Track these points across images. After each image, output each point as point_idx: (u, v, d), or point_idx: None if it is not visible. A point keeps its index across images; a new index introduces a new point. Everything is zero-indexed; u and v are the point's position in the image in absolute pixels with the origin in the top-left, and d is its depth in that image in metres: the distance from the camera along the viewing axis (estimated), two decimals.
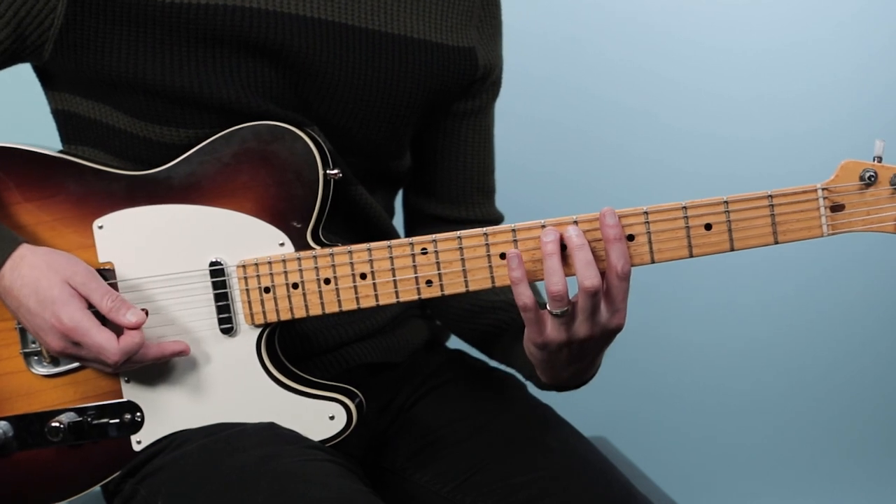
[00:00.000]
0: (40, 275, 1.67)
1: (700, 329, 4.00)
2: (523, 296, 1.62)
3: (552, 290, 1.60)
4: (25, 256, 1.69)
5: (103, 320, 1.69)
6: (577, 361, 1.71)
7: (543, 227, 1.64)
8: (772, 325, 4.07)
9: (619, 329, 1.65)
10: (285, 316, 1.74)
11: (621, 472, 1.87)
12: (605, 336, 1.66)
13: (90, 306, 1.69)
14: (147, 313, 1.73)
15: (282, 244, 1.74)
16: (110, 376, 1.78)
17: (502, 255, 1.65)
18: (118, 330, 1.68)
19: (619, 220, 1.62)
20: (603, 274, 1.62)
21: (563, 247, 1.63)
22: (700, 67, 3.87)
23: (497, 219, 2.12)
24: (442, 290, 1.69)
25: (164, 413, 1.78)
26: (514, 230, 1.66)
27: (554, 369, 1.73)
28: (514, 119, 3.56)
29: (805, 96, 3.94)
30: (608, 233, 1.61)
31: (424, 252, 1.69)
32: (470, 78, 1.95)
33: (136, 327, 1.68)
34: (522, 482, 1.78)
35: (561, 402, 2.02)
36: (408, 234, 2.09)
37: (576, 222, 1.64)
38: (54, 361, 1.78)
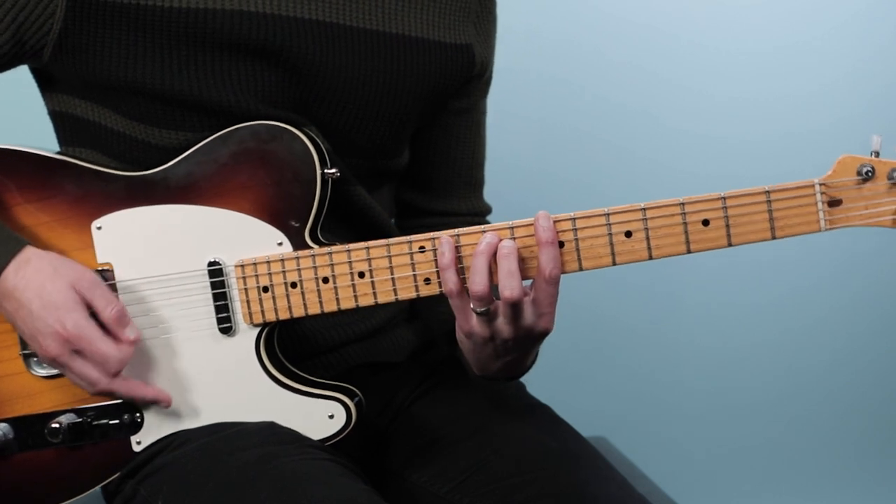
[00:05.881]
0: (46, 278, 1.67)
1: (700, 330, 4.01)
2: (449, 282, 1.65)
3: (472, 289, 1.63)
4: (31, 260, 1.69)
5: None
6: (503, 356, 1.73)
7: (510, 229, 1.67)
8: (772, 326, 4.08)
9: (546, 333, 1.68)
10: (284, 315, 1.74)
11: (620, 472, 1.86)
12: (531, 338, 1.69)
13: (91, 314, 1.70)
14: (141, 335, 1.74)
15: (280, 244, 1.74)
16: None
17: (495, 253, 1.66)
18: None
19: (553, 224, 1.64)
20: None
21: None
22: (699, 68, 3.88)
23: (484, 211, 2.13)
24: (440, 287, 1.69)
25: (164, 413, 1.78)
26: (511, 227, 1.66)
27: (481, 361, 1.76)
28: (513, 119, 3.58)
29: (804, 96, 3.95)
30: (541, 236, 1.63)
31: (422, 250, 1.70)
32: (467, 75, 1.96)
33: (133, 343, 1.70)
34: (520, 482, 1.77)
35: (560, 403, 2.02)
36: (396, 226, 2.10)
37: (511, 228, 1.66)
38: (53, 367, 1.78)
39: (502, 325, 1.65)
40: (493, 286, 1.64)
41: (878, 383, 4.19)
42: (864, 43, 4.00)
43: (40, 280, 1.67)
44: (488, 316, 1.64)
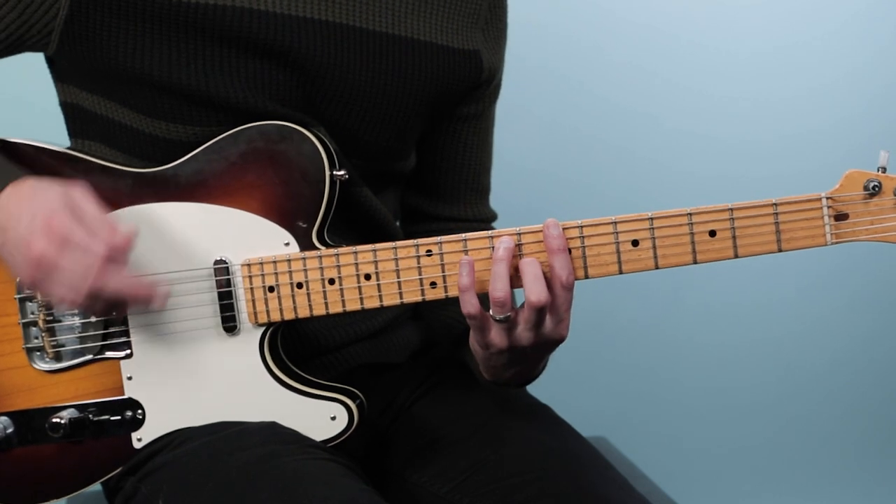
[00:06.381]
0: (39, 188, 1.63)
1: (700, 329, 4.01)
2: (468, 304, 1.65)
3: (495, 295, 1.62)
4: (27, 180, 1.65)
5: None
6: (517, 365, 1.74)
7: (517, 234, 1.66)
8: (772, 326, 4.08)
9: (561, 340, 1.69)
10: (289, 315, 1.74)
11: (620, 472, 1.87)
12: (547, 345, 1.70)
13: None
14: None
15: (287, 244, 1.74)
16: (113, 373, 1.78)
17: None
18: None
19: (563, 231, 1.64)
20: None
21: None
22: (699, 68, 3.88)
23: (490, 217, 2.13)
24: (446, 291, 1.70)
25: (166, 411, 1.78)
26: (518, 233, 1.66)
27: (495, 369, 1.77)
28: (512, 119, 3.57)
29: (805, 97, 3.95)
30: (551, 244, 1.63)
31: (429, 254, 1.70)
32: (475, 81, 1.96)
33: (128, 235, 1.60)
34: (521, 482, 1.77)
35: (560, 403, 2.03)
36: (402, 230, 2.10)
37: (518, 234, 1.66)
38: (56, 357, 1.79)
39: (523, 332, 1.66)
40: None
41: (878, 383, 4.20)
42: (864, 43, 3.99)
43: (34, 191, 1.63)
44: (508, 324, 1.64)
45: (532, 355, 1.72)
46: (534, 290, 1.62)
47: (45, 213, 1.58)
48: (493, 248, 1.66)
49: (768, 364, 4.09)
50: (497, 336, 1.67)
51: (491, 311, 1.64)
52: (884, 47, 4.01)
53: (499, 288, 1.62)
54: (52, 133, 1.89)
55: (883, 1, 4.01)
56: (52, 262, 1.57)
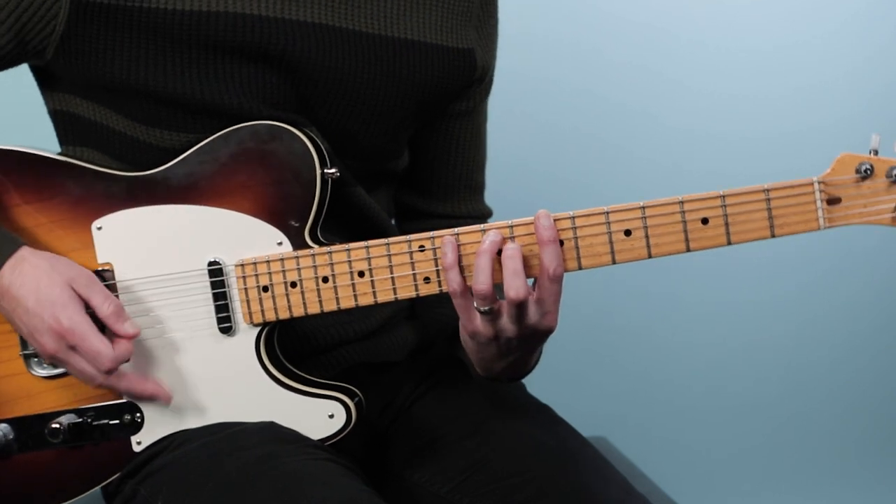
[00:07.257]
0: (42, 274, 1.67)
1: (699, 329, 4.00)
2: (453, 282, 1.65)
3: (475, 287, 1.63)
4: (27, 258, 1.69)
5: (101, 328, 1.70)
6: (507, 356, 1.73)
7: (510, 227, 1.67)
8: (771, 326, 4.07)
9: (550, 331, 1.68)
10: (284, 315, 1.74)
11: (620, 471, 1.87)
12: (536, 337, 1.69)
13: (89, 311, 1.70)
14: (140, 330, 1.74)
15: (280, 243, 1.74)
16: None
17: (499, 252, 1.65)
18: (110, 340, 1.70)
19: (554, 223, 1.64)
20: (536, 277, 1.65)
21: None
22: (699, 66, 3.88)
23: (485, 214, 2.13)
24: (440, 286, 1.70)
25: (164, 414, 1.78)
26: (511, 226, 1.66)
27: (485, 361, 1.76)
28: (512, 118, 3.57)
29: (805, 95, 3.95)
30: (542, 235, 1.63)
31: (422, 249, 1.70)
32: (468, 79, 1.96)
33: (132, 337, 1.70)
34: (520, 482, 1.77)
35: (560, 402, 2.02)
36: (398, 228, 2.10)
37: (511, 227, 1.66)
38: (53, 363, 1.78)
39: (506, 324, 1.65)
40: (497, 285, 1.64)
41: (879, 382, 4.19)
42: (864, 42, 4.00)
43: (36, 277, 1.67)
44: (492, 315, 1.64)
45: (520, 346, 1.71)
46: (512, 286, 1.62)
47: (51, 309, 1.67)
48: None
49: (768, 364, 4.08)
50: (482, 325, 1.67)
51: (475, 303, 1.64)
52: (884, 47, 4.02)
53: (480, 281, 1.62)
54: (44, 139, 1.88)
55: (883, 1, 4.01)
56: (63, 360, 1.70)
